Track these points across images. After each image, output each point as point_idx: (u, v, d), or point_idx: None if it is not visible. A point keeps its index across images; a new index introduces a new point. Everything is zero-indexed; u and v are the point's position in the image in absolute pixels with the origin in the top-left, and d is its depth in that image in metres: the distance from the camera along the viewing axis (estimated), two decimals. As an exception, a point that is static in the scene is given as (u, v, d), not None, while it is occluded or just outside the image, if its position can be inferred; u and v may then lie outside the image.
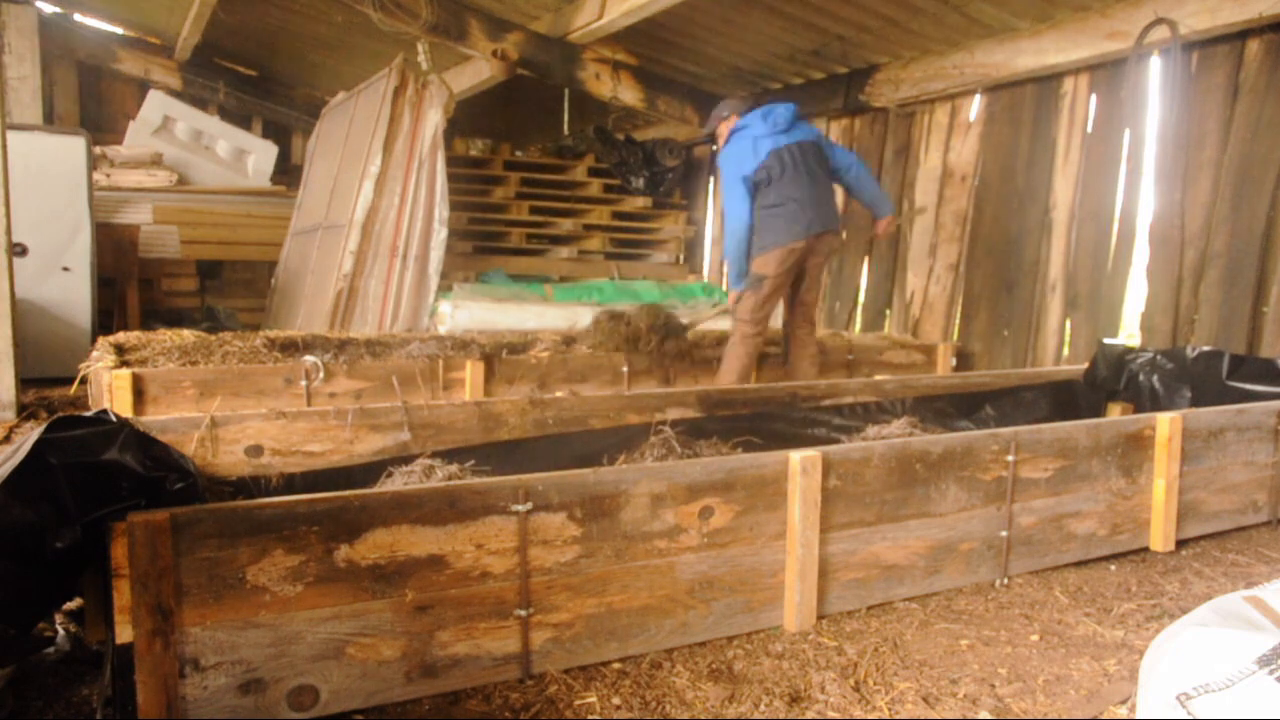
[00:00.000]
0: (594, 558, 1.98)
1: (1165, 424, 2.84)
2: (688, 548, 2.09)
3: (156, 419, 2.68)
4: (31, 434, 1.71)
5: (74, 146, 6.22)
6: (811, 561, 2.22)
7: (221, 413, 2.74)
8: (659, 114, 6.85)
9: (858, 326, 6.62)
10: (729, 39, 5.99)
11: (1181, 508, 2.91)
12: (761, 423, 3.55)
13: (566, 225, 7.31)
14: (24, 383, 4.41)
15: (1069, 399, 4.23)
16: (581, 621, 1.97)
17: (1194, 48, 4.62)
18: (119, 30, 8.94)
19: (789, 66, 6.26)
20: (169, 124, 8.43)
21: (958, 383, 4.19)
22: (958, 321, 5.92)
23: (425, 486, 2.06)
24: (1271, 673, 1.24)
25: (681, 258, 8.20)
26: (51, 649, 1.99)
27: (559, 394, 3.71)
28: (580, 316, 6.05)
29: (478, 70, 6.53)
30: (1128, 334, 5.45)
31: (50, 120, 8.37)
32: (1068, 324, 5.29)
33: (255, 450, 2.74)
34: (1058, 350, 5.32)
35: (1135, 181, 4.98)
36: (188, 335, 4.19)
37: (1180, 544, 2.93)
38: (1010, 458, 2.55)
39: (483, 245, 7.06)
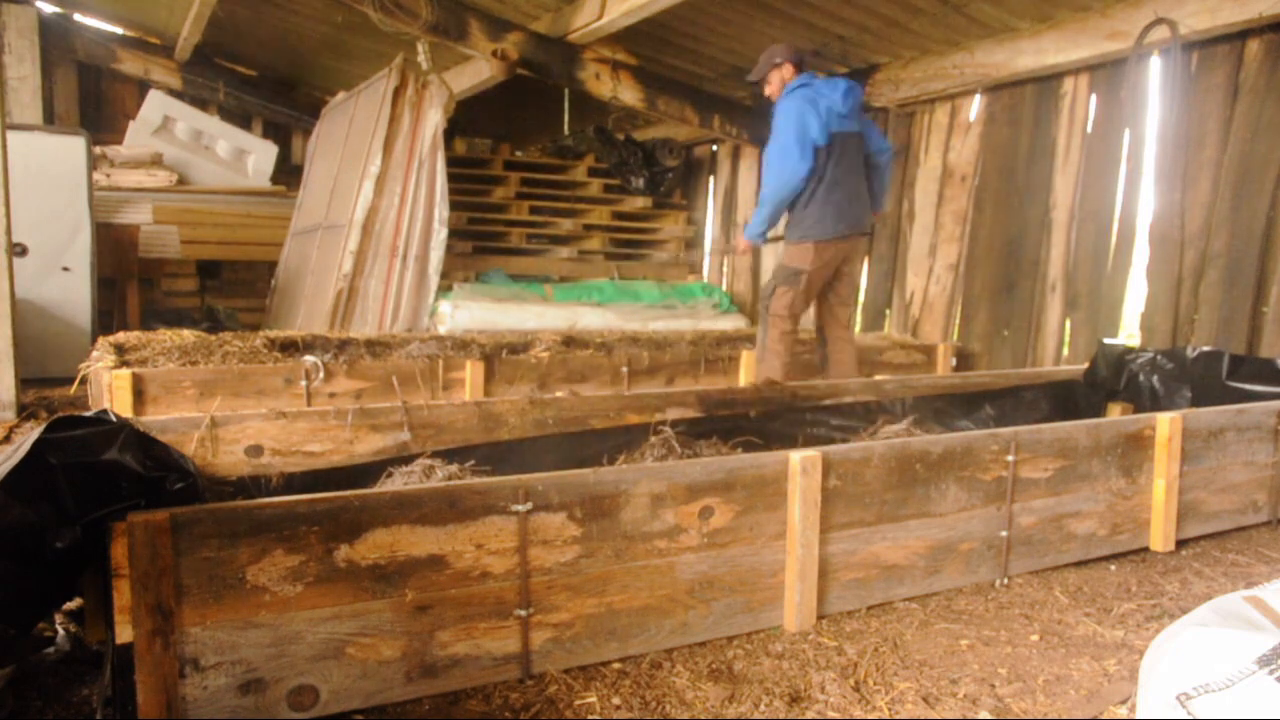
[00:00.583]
0: (594, 558, 1.98)
1: (1165, 424, 2.84)
2: (688, 548, 2.09)
3: (156, 419, 2.68)
4: (31, 434, 1.71)
5: (74, 146, 6.22)
6: (811, 561, 2.22)
7: (221, 413, 2.74)
8: (659, 114, 6.85)
9: (858, 326, 6.61)
10: (729, 39, 5.99)
11: (1181, 508, 2.91)
12: (761, 423, 3.55)
13: (566, 225, 7.31)
14: (24, 383, 4.41)
15: (1069, 399, 4.23)
16: (581, 621, 1.97)
17: (1194, 48, 4.62)
18: (119, 30, 8.93)
19: (789, 66, 6.26)
20: (169, 124, 8.43)
21: (958, 383, 4.19)
22: (958, 321, 5.92)
23: (425, 486, 2.06)
24: (1271, 673, 1.24)
25: (681, 258, 8.20)
26: (51, 649, 1.99)
27: (559, 394, 3.71)
28: (580, 316, 6.05)
29: (478, 70, 6.53)
30: (1128, 334, 5.45)
31: (50, 120, 8.36)
32: (1068, 324, 5.29)
33: (255, 450, 2.74)
34: (1058, 350, 5.32)
35: (1135, 181, 4.99)
36: (188, 335, 4.19)
37: (1180, 544, 2.93)
38: (1010, 458, 2.55)
39: (483, 245, 7.06)
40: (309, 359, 3.98)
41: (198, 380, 3.66)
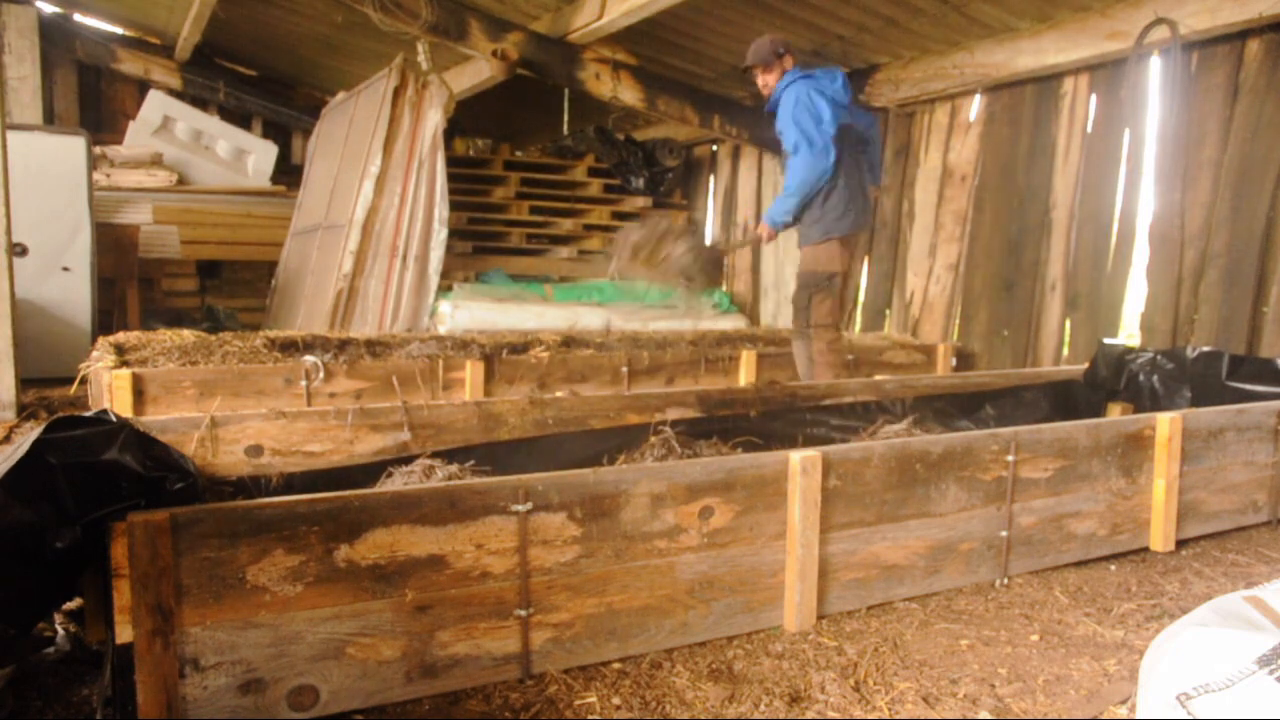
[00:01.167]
0: (594, 558, 1.98)
1: (1165, 424, 2.84)
2: (688, 548, 2.09)
3: (156, 419, 2.68)
4: (31, 434, 1.71)
5: (74, 146, 6.22)
6: (811, 561, 2.22)
7: (221, 413, 2.74)
8: (659, 114, 6.84)
9: (858, 326, 6.62)
10: (729, 39, 5.99)
11: (1181, 508, 2.91)
12: (761, 423, 3.55)
13: (566, 225, 7.31)
14: (24, 383, 4.41)
15: (1069, 399, 4.23)
16: (581, 621, 1.97)
17: (1194, 48, 4.62)
18: (119, 30, 8.94)
19: (789, 66, 6.26)
20: (169, 124, 8.43)
21: (958, 383, 4.19)
22: (958, 321, 5.92)
23: (425, 486, 2.06)
24: (1271, 673, 1.24)
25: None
26: (51, 649, 1.99)
27: (559, 394, 3.71)
28: (580, 316, 6.05)
29: (478, 70, 6.53)
30: (1128, 334, 5.45)
31: (50, 120, 8.37)
32: (1068, 324, 5.29)
33: (255, 450, 2.74)
34: (1058, 350, 5.32)
35: (1135, 181, 4.98)
36: (188, 335, 4.19)
37: (1180, 544, 2.93)
38: (1010, 458, 2.55)
39: (483, 245, 7.06)
40: (309, 359, 3.98)
41: (198, 380, 3.66)
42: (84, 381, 4.06)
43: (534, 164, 7.47)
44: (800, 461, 2.19)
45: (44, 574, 1.65)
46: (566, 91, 7.73)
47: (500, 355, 4.42)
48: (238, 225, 7.84)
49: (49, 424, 1.73)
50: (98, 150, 7.38)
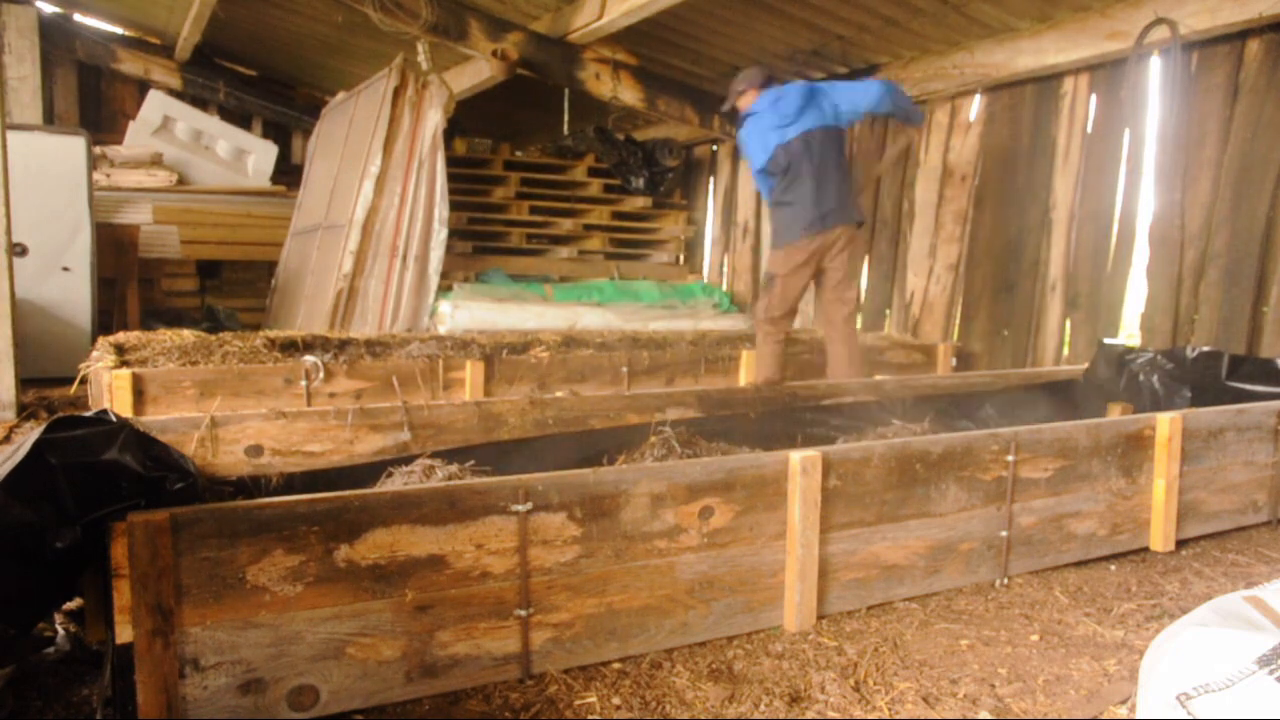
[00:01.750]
0: (594, 558, 1.98)
1: (1165, 424, 2.84)
2: (688, 548, 2.09)
3: (156, 419, 2.68)
4: (31, 434, 1.71)
5: (74, 146, 6.22)
6: (811, 561, 2.22)
7: (221, 413, 2.74)
8: (659, 114, 6.85)
9: (858, 326, 6.61)
10: (729, 39, 5.99)
11: (1181, 508, 2.91)
12: (761, 423, 3.55)
13: (566, 225, 7.31)
14: (24, 383, 4.41)
15: (1069, 399, 4.23)
16: (581, 621, 1.97)
17: (1194, 48, 4.62)
18: (119, 30, 8.94)
19: (789, 66, 6.26)
20: (169, 124, 8.43)
21: (958, 383, 4.19)
22: (958, 321, 5.92)
23: (425, 486, 2.06)
24: (1271, 673, 1.24)
25: (681, 258, 8.20)
26: (51, 649, 1.99)
27: (559, 394, 3.71)
28: (580, 316, 6.05)
29: (478, 70, 6.53)
30: (1128, 334, 5.45)
31: (50, 120, 8.37)
32: (1068, 324, 5.29)
33: (255, 450, 2.74)
34: (1058, 350, 5.32)
35: (1135, 181, 4.98)
36: (188, 335, 4.19)
37: (1180, 544, 2.93)
38: (1010, 458, 2.55)
39: (483, 245, 7.06)
40: (309, 359, 3.98)
41: (198, 380, 3.66)
42: (84, 381, 4.06)
43: (534, 164, 7.47)
44: (800, 461, 2.19)
45: (44, 574, 1.65)
46: (566, 91, 7.73)
47: (500, 355, 4.42)
48: (238, 225, 7.84)
49: (49, 424, 1.73)
50: (98, 150, 7.38)
